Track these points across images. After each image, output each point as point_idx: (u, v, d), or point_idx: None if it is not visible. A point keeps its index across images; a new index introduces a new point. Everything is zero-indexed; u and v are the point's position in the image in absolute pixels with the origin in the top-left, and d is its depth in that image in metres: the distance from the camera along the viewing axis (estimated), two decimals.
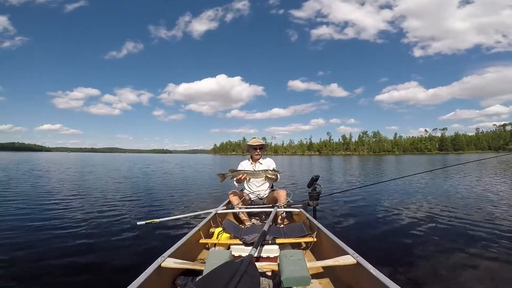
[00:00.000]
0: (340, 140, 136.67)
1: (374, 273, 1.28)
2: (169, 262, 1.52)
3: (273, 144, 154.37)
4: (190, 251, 1.90)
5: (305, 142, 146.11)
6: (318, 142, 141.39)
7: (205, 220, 2.47)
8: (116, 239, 3.19)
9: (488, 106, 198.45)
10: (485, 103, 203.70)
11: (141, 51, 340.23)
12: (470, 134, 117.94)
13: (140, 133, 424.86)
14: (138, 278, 1.29)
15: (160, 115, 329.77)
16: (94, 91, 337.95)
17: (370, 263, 1.38)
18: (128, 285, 1.21)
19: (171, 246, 1.70)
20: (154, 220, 2.59)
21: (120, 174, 12.51)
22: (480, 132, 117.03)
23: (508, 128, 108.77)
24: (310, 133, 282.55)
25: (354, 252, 1.53)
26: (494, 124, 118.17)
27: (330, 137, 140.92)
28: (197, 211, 3.08)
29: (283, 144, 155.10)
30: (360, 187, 6.63)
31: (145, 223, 2.54)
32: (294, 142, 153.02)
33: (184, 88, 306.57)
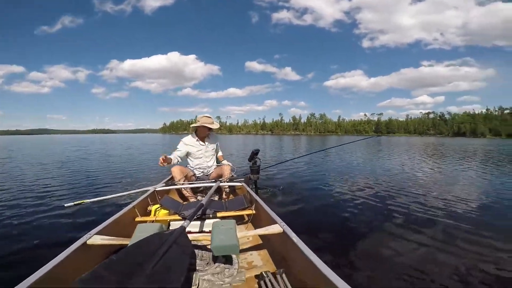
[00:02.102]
0: (291, 120, 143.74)
1: (295, 240, 1.36)
2: (95, 239, 1.45)
3: (228, 124, 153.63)
4: (123, 230, 1.74)
5: (258, 122, 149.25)
6: (271, 122, 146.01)
7: (141, 197, 2.33)
8: (40, 223, 2.84)
9: (417, 96, 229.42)
10: (415, 93, 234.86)
11: (80, 26, 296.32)
12: (401, 120, 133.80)
13: (76, 113, 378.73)
14: (58, 255, 1.21)
15: (100, 92, 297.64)
16: (17, 69, 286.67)
17: (295, 232, 1.44)
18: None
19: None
20: (84, 201, 2.37)
21: (49, 157, 10.98)
22: (409, 118, 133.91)
23: (431, 116, 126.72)
24: (264, 113, 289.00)
25: (282, 221, 1.61)
26: (421, 112, 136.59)
27: (282, 118, 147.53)
28: (134, 190, 2.86)
29: (237, 123, 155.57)
30: (296, 158, 7.12)
31: (74, 204, 2.32)
32: (249, 121, 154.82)
33: (130, 64, 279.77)
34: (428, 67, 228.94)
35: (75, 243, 1.36)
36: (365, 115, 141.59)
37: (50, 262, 1.15)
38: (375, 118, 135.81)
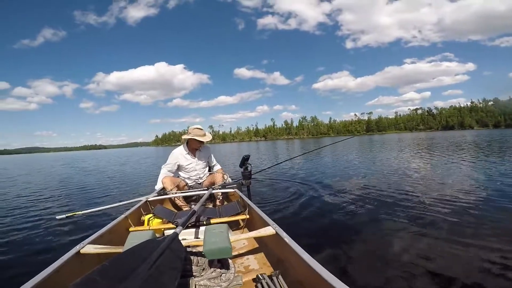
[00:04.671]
0: (283, 125, 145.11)
1: (287, 241, 1.38)
2: (89, 248, 1.45)
3: (220, 132, 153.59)
4: (117, 239, 1.79)
5: (251, 129, 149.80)
6: (264, 128, 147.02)
7: (134, 207, 2.36)
8: (32, 235, 2.88)
9: (404, 93, 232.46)
10: (402, 90, 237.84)
11: (63, 39, 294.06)
12: (390, 117, 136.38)
13: (66, 129, 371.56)
14: (51, 265, 1.21)
15: (89, 107, 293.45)
16: (1, 84, 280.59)
17: (290, 233, 1.46)
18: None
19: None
20: (76, 213, 2.38)
21: (40, 174, 10.86)
22: (398, 115, 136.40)
23: (419, 111, 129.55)
24: (256, 119, 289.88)
25: (274, 223, 1.66)
26: (409, 108, 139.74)
27: (274, 123, 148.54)
28: (126, 201, 2.86)
29: (230, 131, 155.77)
30: (286, 161, 7.29)
31: (66, 216, 2.32)
32: (242, 129, 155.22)
33: (116, 77, 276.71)
34: (411, 64, 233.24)
35: (68, 252, 1.36)
36: (355, 115, 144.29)
37: (43, 271, 1.15)
38: (365, 118, 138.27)
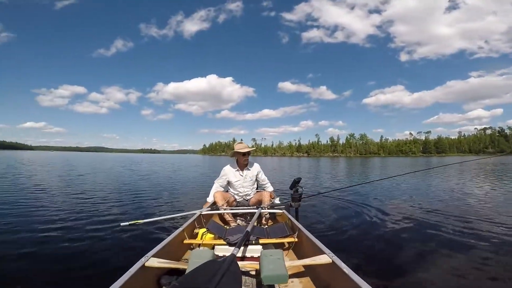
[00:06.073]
0: (328, 142, 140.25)
1: (347, 271, 1.33)
2: (152, 261, 1.53)
3: (263, 145, 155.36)
4: (174, 251, 1.92)
5: (294, 144, 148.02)
6: (307, 143, 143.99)
7: (189, 221, 2.49)
8: (99, 241, 3.15)
9: (470, 111, 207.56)
10: (468, 107, 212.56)
11: (130, 50, 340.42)
12: (452, 138, 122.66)
13: (127, 133, 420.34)
14: (121, 278, 1.28)
15: (149, 114, 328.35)
16: (80, 89, 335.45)
17: (345, 263, 1.41)
18: (110, 285, 1.21)
19: (155, 247, 1.73)
20: (138, 221, 2.58)
21: (105, 174, 12.23)
22: (462, 135, 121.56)
23: (488, 132, 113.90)
24: (300, 134, 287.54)
25: (330, 251, 1.59)
26: (476, 128, 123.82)
27: (318, 139, 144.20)
28: (182, 212, 3.08)
29: (272, 145, 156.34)
30: (340, 189, 6.86)
31: (129, 224, 2.53)
32: (284, 143, 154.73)
33: (173, 87, 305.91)
34: (477, 77, 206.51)
35: (135, 265, 1.43)
36: (410, 134, 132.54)
37: (113, 285, 1.21)
38: (422, 137, 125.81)
